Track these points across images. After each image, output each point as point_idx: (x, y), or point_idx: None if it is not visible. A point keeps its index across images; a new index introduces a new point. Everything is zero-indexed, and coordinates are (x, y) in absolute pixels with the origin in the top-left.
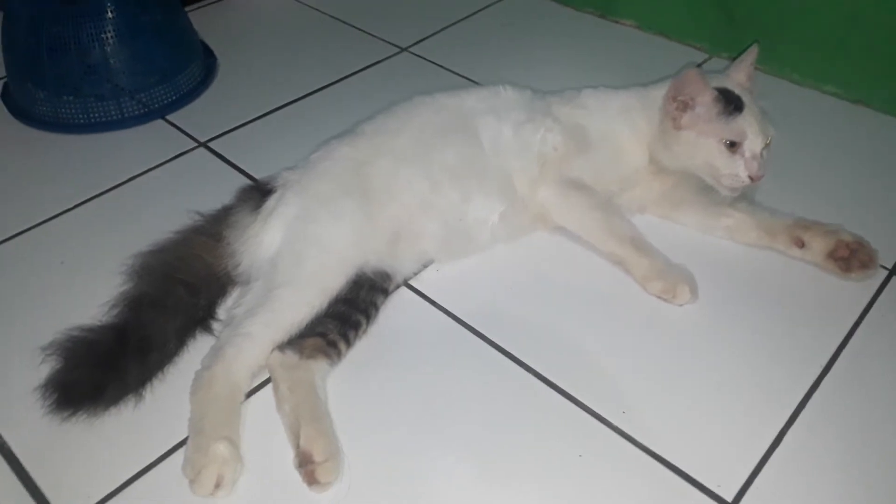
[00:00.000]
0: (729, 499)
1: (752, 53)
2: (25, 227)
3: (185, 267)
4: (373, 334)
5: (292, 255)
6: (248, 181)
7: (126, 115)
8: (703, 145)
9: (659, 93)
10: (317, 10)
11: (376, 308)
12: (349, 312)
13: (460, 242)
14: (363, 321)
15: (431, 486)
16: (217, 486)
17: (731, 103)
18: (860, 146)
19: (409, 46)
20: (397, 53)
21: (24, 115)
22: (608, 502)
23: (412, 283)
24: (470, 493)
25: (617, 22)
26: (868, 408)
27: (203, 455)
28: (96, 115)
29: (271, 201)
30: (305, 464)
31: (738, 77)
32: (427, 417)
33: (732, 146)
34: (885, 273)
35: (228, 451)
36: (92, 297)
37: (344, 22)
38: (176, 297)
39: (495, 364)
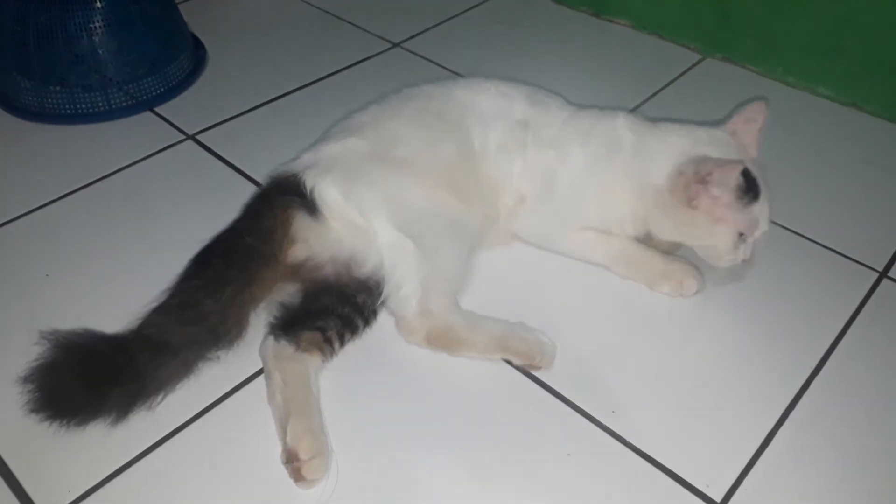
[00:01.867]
0: (718, 499)
1: (762, 116)
2: (8, 219)
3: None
4: (366, 332)
5: (416, 222)
6: (236, 174)
7: (114, 106)
8: (717, 232)
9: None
10: (308, 3)
11: (375, 315)
12: (352, 315)
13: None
14: (362, 325)
15: (421, 484)
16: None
17: (750, 191)
18: (853, 149)
19: (402, 42)
20: (389, 49)
21: (9, 104)
22: (597, 501)
23: None
24: (459, 491)
25: (611, 21)
26: (857, 409)
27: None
28: (83, 105)
29: (331, 200)
30: (291, 461)
31: (746, 140)
32: (417, 415)
33: (741, 235)
34: (875, 275)
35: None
36: (73, 291)
37: (336, 16)
38: (188, 336)
39: (485, 363)
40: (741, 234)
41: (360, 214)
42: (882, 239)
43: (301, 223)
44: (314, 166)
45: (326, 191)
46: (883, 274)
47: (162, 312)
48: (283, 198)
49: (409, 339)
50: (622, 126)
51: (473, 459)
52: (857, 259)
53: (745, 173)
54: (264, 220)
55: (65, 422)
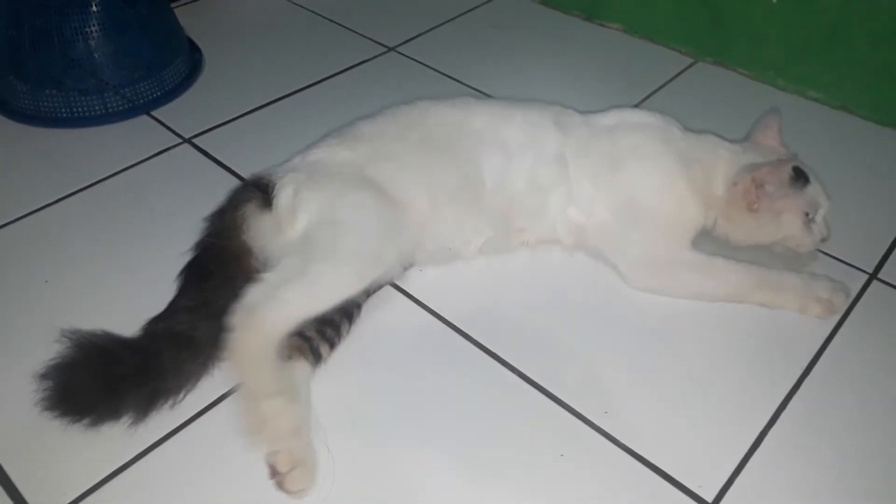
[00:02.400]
0: (709, 499)
1: (776, 121)
2: (4, 222)
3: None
4: (356, 332)
5: (326, 237)
6: (233, 177)
7: (110, 109)
8: (784, 222)
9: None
10: (304, 7)
11: (358, 307)
12: (331, 314)
13: (445, 256)
14: (343, 321)
15: (414, 485)
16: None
17: (800, 177)
18: (842, 151)
19: (397, 46)
20: (384, 53)
21: (5, 107)
22: (589, 502)
23: (396, 282)
24: (453, 492)
25: (603, 25)
26: (848, 409)
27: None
28: (79, 109)
29: (283, 199)
30: (273, 475)
31: (771, 143)
32: (410, 416)
33: (807, 215)
34: (865, 276)
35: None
36: (70, 294)
37: (331, 20)
38: (211, 331)
39: (479, 364)
40: (807, 215)
41: (292, 213)
42: (872, 241)
43: (255, 220)
44: (293, 169)
45: (283, 190)
46: (873, 276)
47: (183, 311)
48: (246, 193)
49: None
50: (676, 138)
51: (467, 460)
52: (847, 261)
53: (793, 166)
54: (225, 218)
55: (78, 420)
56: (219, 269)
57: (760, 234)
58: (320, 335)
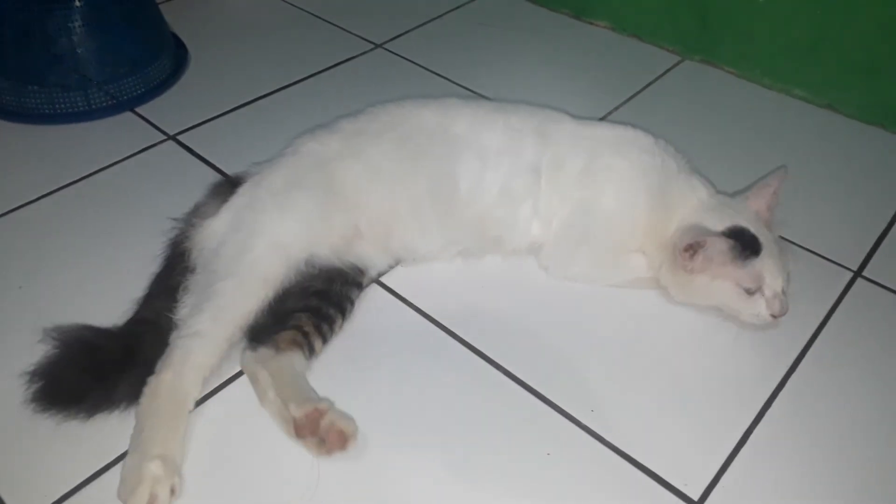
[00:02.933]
0: (695, 497)
1: (777, 181)
2: None
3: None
4: (343, 331)
5: (234, 245)
6: (217, 174)
7: (93, 106)
8: (718, 289)
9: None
10: (290, 4)
11: (351, 302)
12: (320, 305)
13: (415, 258)
14: (337, 315)
15: (400, 484)
16: None
17: (746, 248)
18: (828, 150)
19: (384, 43)
20: (371, 50)
21: None
22: (575, 500)
23: (384, 280)
24: (438, 490)
25: (591, 23)
26: (833, 406)
27: (136, 474)
28: (62, 105)
29: (235, 195)
30: (315, 424)
31: (758, 204)
32: (395, 414)
33: (748, 290)
34: (850, 274)
35: (162, 469)
36: (52, 291)
37: (317, 17)
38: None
39: (465, 362)
40: (748, 290)
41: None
42: (857, 239)
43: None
44: (262, 163)
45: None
46: (857, 273)
47: (157, 298)
48: (219, 188)
49: None
50: (657, 170)
51: (452, 458)
52: (833, 259)
53: (739, 234)
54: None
55: (74, 414)
56: (180, 261)
57: (695, 296)
58: (317, 330)
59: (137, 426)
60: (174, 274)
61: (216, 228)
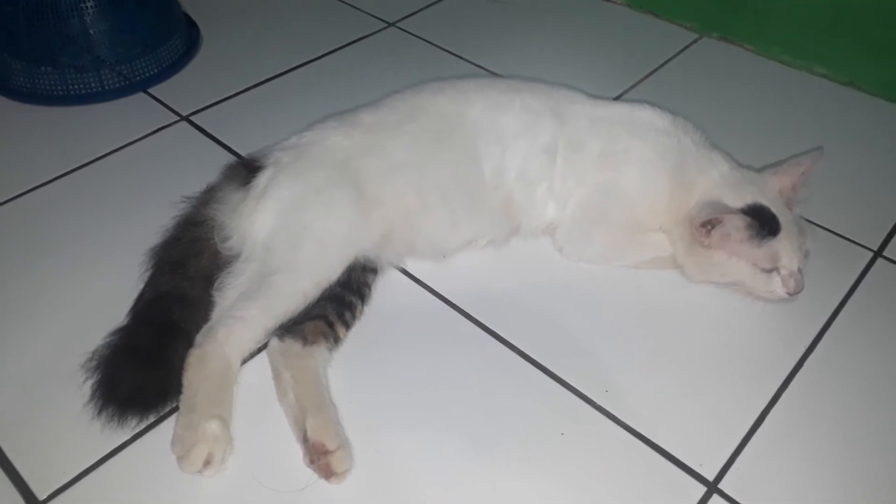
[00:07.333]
0: (710, 478)
1: (811, 161)
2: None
3: (196, 263)
4: (364, 316)
5: (288, 242)
6: (230, 155)
7: (106, 87)
8: (735, 267)
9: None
10: None
11: (369, 287)
12: (343, 293)
13: (444, 254)
14: (358, 302)
15: (416, 464)
16: (206, 464)
17: (764, 227)
18: (849, 128)
19: (397, 21)
20: (384, 28)
21: (0, 85)
22: (590, 480)
23: (400, 264)
24: (453, 470)
25: (607, 0)
26: (851, 387)
27: (193, 433)
28: (75, 86)
29: (262, 179)
30: (318, 456)
31: (783, 182)
32: (412, 397)
33: (765, 269)
34: (870, 254)
35: (220, 429)
36: (66, 272)
37: None
38: (197, 291)
39: (480, 343)
40: (764, 269)
41: (261, 198)
42: (877, 218)
43: (228, 199)
44: (284, 149)
45: (265, 171)
46: (878, 253)
47: (165, 273)
48: (231, 171)
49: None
50: (674, 149)
51: (468, 438)
52: (852, 238)
53: (758, 212)
54: (203, 195)
55: (143, 411)
56: (186, 234)
57: (710, 272)
58: (340, 319)
59: (189, 390)
60: (179, 246)
61: (263, 221)
